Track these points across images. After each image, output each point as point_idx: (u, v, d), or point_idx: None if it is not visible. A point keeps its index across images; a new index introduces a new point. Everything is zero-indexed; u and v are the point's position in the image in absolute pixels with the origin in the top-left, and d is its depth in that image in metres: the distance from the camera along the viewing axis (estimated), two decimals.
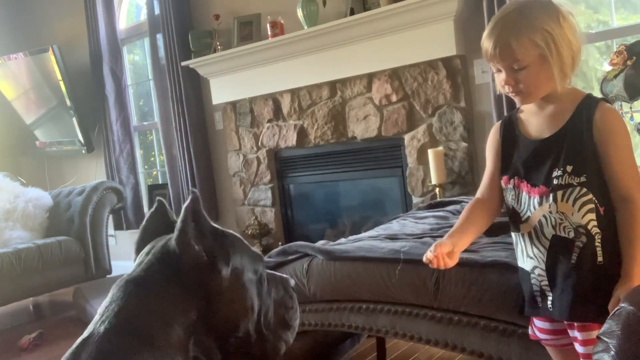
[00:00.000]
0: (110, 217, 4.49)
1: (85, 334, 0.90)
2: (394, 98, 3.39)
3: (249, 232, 4.07)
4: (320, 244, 2.12)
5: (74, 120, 4.88)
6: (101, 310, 0.93)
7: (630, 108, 2.53)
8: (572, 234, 1.24)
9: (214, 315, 0.95)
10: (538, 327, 1.39)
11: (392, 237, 2.12)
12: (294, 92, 3.83)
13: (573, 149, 1.24)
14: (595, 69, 3.02)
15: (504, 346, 1.60)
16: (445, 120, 3.22)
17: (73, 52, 5.02)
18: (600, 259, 1.23)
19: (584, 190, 1.22)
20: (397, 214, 2.78)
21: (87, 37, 4.85)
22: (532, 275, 1.32)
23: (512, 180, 1.33)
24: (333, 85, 3.65)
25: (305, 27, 3.54)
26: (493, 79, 2.78)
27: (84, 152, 5.04)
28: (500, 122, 1.41)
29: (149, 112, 5.09)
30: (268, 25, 3.71)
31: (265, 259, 2.16)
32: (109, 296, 0.96)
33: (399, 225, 2.37)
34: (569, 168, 1.23)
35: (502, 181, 1.36)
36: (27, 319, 4.10)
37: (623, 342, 0.96)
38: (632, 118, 2.56)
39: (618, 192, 1.23)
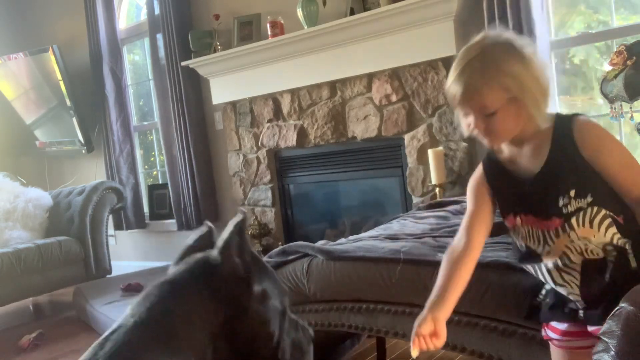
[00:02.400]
0: (110, 217, 4.49)
1: (115, 325, 0.94)
2: (394, 98, 3.39)
3: (249, 232, 4.07)
4: (320, 244, 2.12)
5: (74, 120, 4.88)
6: (133, 305, 0.98)
7: (630, 108, 2.53)
8: (601, 254, 1.22)
9: (237, 328, 0.99)
10: (554, 328, 1.36)
11: (392, 237, 2.12)
12: (294, 92, 3.83)
13: (568, 173, 1.22)
14: (595, 69, 3.02)
15: (504, 346, 1.60)
16: (445, 120, 3.22)
17: (73, 52, 5.02)
18: (634, 264, 1.21)
19: (596, 208, 1.20)
20: (397, 214, 2.78)
21: (87, 37, 4.85)
22: (566, 297, 1.30)
23: (518, 218, 1.30)
24: (333, 85, 3.65)
25: (305, 27, 3.53)
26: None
27: (84, 152, 5.04)
28: (480, 167, 1.38)
29: (149, 112, 5.09)
30: (268, 25, 3.71)
31: (265, 259, 2.16)
32: (144, 293, 1.01)
33: (399, 225, 2.37)
34: (572, 193, 1.21)
35: (506, 222, 1.34)
36: (27, 319, 4.10)
37: (623, 342, 0.96)
38: (632, 118, 2.56)
39: (631, 196, 1.21)
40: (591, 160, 1.20)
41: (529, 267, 1.36)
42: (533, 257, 1.31)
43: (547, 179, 1.24)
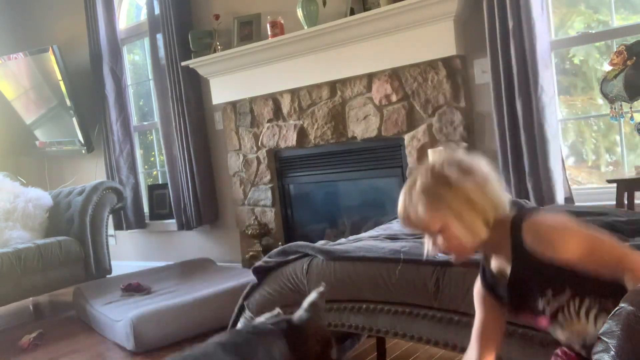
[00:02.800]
0: (110, 217, 4.49)
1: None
2: (394, 98, 3.39)
3: (249, 232, 4.07)
4: (320, 244, 2.12)
5: (74, 120, 4.88)
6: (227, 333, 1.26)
7: (630, 108, 2.53)
8: (601, 346, 1.17)
9: None
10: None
11: (392, 237, 2.12)
12: (294, 92, 3.83)
13: (536, 277, 1.21)
14: (595, 69, 3.02)
15: (504, 346, 1.60)
16: (445, 120, 3.22)
17: (73, 52, 5.02)
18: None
19: (578, 301, 1.18)
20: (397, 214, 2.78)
21: (87, 37, 4.85)
22: None
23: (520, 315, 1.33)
24: (333, 85, 3.65)
25: (305, 27, 3.53)
26: (492, 79, 2.75)
27: (84, 152, 5.04)
28: (478, 275, 1.41)
29: (149, 112, 5.09)
30: (268, 25, 3.71)
31: (265, 259, 2.16)
32: (246, 325, 1.29)
33: (399, 225, 2.37)
34: (549, 292, 1.20)
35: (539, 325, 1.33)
36: (27, 319, 4.10)
37: (623, 342, 0.96)
38: (632, 118, 2.56)
39: (612, 278, 1.16)
40: (553, 259, 1.17)
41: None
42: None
43: (520, 285, 1.25)
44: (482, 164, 1.27)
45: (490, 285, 1.35)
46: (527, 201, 2.55)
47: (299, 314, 1.19)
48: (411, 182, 1.28)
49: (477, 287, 1.40)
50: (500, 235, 1.24)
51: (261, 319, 1.48)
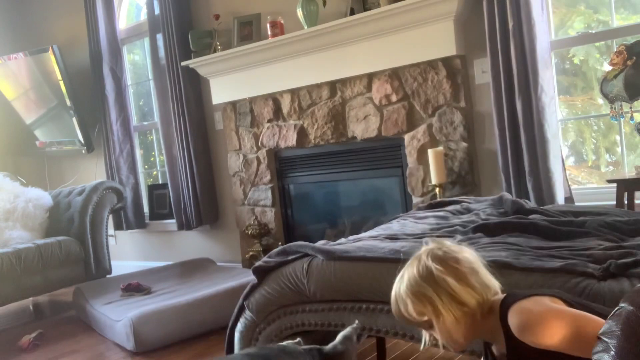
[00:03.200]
0: (110, 217, 4.49)
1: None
2: (394, 98, 3.39)
3: (249, 232, 4.07)
4: (320, 244, 2.12)
5: (74, 120, 4.88)
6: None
7: (631, 108, 2.53)
8: None
9: None
10: None
11: (392, 237, 2.12)
12: (294, 92, 3.83)
13: None
14: (595, 69, 3.02)
15: None
16: (445, 120, 3.22)
17: (73, 52, 5.02)
18: None
19: None
20: (397, 214, 2.78)
21: (87, 37, 4.85)
22: None
23: None
24: (333, 85, 3.65)
25: (305, 27, 3.54)
26: (492, 79, 2.75)
27: (84, 152, 5.04)
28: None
29: (149, 112, 5.09)
30: (268, 25, 3.71)
31: (265, 258, 2.16)
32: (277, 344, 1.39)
33: (399, 225, 2.37)
34: None
35: None
36: (27, 319, 4.10)
37: (623, 342, 0.96)
38: (632, 118, 2.56)
39: None
40: (541, 347, 1.16)
41: None
42: None
43: None
44: (467, 254, 1.30)
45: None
46: (527, 201, 2.55)
47: (333, 344, 1.24)
48: (401, 276, 1.33)
49: None
50: (493, 322, 1.26)
51: (282, 343, 1.52)
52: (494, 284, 1.30)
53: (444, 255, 1.29)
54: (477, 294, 1.26)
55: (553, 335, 1.15)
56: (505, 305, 1.24)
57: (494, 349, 1.34)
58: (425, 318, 1.27)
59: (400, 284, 1.31)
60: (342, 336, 1.26)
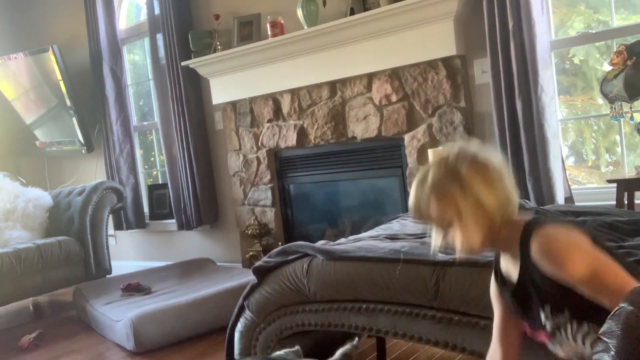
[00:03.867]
0: (110, 217, 4.49)
1: None
2: (394, 98, 3.39)
3: (249, 232, 4.06)
4: (320, 244, 2.12)
5: (74, 120, 4.88)
6: None
7: (631, 108, 2.53)
8: None
9: None
10: None
11: (392, 237, 2.12)
12: (294, 92, 3.83)
13: (539, 289, 1.18)
14: (595, 69, 3.02)
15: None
16: (445, 120, 3.22)
17: (73, 52, 5.02)
18: None
19: (576, 323, 1.16)
20: (397, 214, 2.78)
21: (87, 37, 4.85)
22: None
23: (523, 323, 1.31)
24: (333, 85, 3.65)
25: (305, 27, 3.53)
26: (492, 79, 2.76)
27: (84, 152, 5.04)
28: (493, 278, 1.39)
29: (149, 112, 5.09)
30: (268, 25, 3.71)
31: (265, 259, 2.16)
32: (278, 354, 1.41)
33: (399, 225, 2.37)
34: (547, 308, 1.18)
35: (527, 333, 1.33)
36: (27, 319, 4.10)
37: (623, 342, 0.95)
38: (632, 118, 2.56)
39: (611, 306, 1.10)
40: (553, 275, 1.14)
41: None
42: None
43: (525, 289, 1.22)
44: (496, 159, 1.24)
45: (501, 285, 1.34)
46: (527, 201, 2.55)
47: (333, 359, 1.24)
48: (423, 175, 1.26)
49: (492, 284, 1.38)
50: (510, 236, 1.22)
51: (281, 353, 1.50)
52: (516, 196, 1.25)
53: (473, 157, 1.23)
54: (501, 201, 1.21)
55: (571, 268, 1.11)
56: (531, 225, 1.19)
57: (502, 264, 1.31)
58: (445, 219, 1.23)
59: (424, 184, 1.25)
60: (340, 353, 1.25)
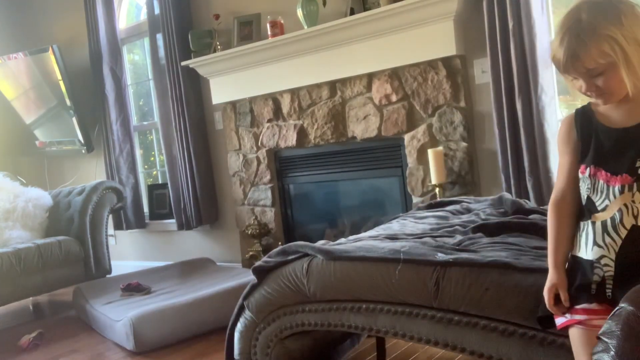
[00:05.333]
0: (110, 217, 4.48)
1: None
2: (394, 98, 3.39)
3: (249, 232, 4.07)
4: (320, 243, 2.12)
5: (74, 120, 4.88)
6: None
7: None
8: None
9: None
10: (578, 310, 1.33)
11: (392, 237, 2.12)
12: (294, 92, 3.83)
13: None
14: None
15: (504, 346, 1.60)
16: (445, 120, 3.22)
17: (73, 52, 5.02)
18: None
19: None
20: (397, 214, 2.78)
21: (87, 37, 4.85)
22: (595, 265, 1.29)
23: (588, 169, 1.32)
24: (333, 85, 3.65)
25: (305, 27, 3.54)
26: (492, 79, 2.75)
27: (83, 152, 5.04)
28: (572, 114, 1.40)
29: (149, 112, 5.09)
30: (268, 25, 3.71)
31: (265, 258, 2.16)
32: None
33: (399, 225, 2.37)
34: None
35: (579, 171, 1.35)
36: (27, 319, 4.10)
37: (623, 342, 0.96)
38: None
39: None
40: None
41: (580, 226, 1.37)
42: (588, 211, 1.32)
43: (633, 137, 1.26)
44: None
45: (581, 121, 1.35)
46: (527, 201, 2.55)
47: None
48: (574, 19, 1.25)
49: (565, 125, 1.39)
50: None
51: None
52: None
53: (630, 3, 1.24)
54: None
55: None
56: None
57: (603, 110, 1.32)
58: (603, 62, 1.21)
59: (578, 26, 1.23)
60: None
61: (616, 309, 1.04)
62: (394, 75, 3.37)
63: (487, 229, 2.07)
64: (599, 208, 1.30)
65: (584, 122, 1.35)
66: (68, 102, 4.83)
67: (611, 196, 1.27)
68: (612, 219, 1.27)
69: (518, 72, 2.84)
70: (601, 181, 1.29)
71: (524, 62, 2.84)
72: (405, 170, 3.43)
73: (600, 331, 1.03)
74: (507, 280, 1.59)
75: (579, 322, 1.32)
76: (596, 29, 1.21)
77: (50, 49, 4.71)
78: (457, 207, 2.57)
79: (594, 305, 1.30)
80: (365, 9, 3.38)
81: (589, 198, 1.32)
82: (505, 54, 2.89)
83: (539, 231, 1.98)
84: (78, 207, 4.22)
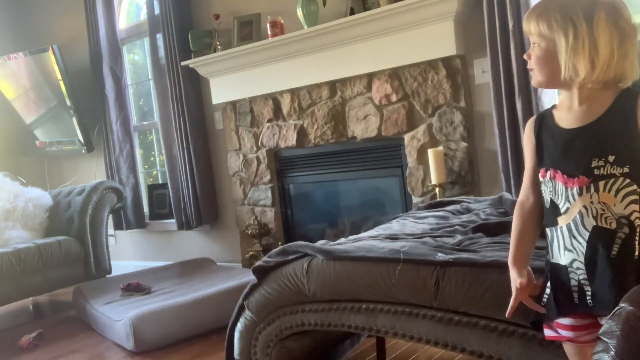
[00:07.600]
0: (110, 217, 4.49)
1: None
2: (394, 98, 3.39)
3: (249, 232, 4.07)
4: (320, 243, 2.12)
5: (74, 120, 4.89)
6: None
7: None
8: (614, 225, 1.22)
9: None
10: (561, 325, 1.35)
11: (392, 237, 2.12)
12: (294, 92, 3.83)
13: (615, 138, 1.22)
14: None
15: (504, 346, 1.60)
16: (445, 120, 3.22)
17: (73, 52, 5.02)
18: (637, 253, 1.21)
19: (627, 181, 1.21)
20: (397, 214, 2.78)
21: (87, 37, 4.85)
22: (570, 269, 1.29)
23: (548, 172, 1.32)
24: (333, 85, 3.65)
25: (305, 27, 3.54)
26: (492, 79, 2.77)
27: (83, 151, 5.04)
28: (534, 116, 1.41)
29: (149, 112, 5.09)
30: (268, 25, 3.71)
31: (265, 258, 2.16)
32: None
33: (399, 225, 2.37)
34: (611, 158, 1.22)
35: (539, 174, 1.35)
36: (27, 319, 4.10)
37: (623, 342, 0.96)
38: None
39: None
40: None
41: (548, 234, 1.37)
42: (553, 215, 1.33)
43: (590, 137, 1.25)
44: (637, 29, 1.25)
45: (540, 124, 1.36)
46: None
47: None
48: None
49: (526, 129, 1.40)
50: (602, 92, 1.24)
51: None
52: (636, 73, 1.26)
53: (617, 9, 1.23)
54: (617, 64, 1.22)
55: None
56: (633, 88, 1.24)
57: (557, 113, 1.34)
58: (549, 37, 1.24)
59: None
60: None
61: (616, 309, 1.04)
62: (394, 75, 3.37)
63: (487, 228, 2.08)
64: (562, 211, 1.30)
65: (542, 125, 1.36)
66: (68, 102, 4.83)
67: (571, 198, 1.27)
68: (574, 221, 1.27)
69: (518, 72, 2.85)
70: (560, 183, 1.29)
71: (524, 62, 2.83)
72: (405, 170, 3.43)
73: (600, 331, 1.03)
74: (507, 280, 1.59)
75: (569, 339, 1.35)
76: (565, 7, 1.23)
77: (50, 49, 4.71)
78: (457, 207, 2.58)
79: (578, 321, 1.31)
80: (365, 9, 3.38)
81: (552, 202, 1.32)
82: (505, 54, 2.89)
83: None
84: (78, 207, 4.22)
